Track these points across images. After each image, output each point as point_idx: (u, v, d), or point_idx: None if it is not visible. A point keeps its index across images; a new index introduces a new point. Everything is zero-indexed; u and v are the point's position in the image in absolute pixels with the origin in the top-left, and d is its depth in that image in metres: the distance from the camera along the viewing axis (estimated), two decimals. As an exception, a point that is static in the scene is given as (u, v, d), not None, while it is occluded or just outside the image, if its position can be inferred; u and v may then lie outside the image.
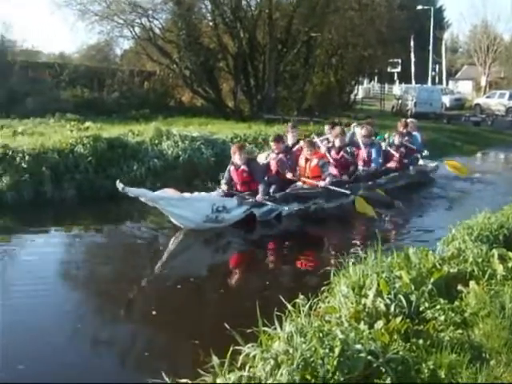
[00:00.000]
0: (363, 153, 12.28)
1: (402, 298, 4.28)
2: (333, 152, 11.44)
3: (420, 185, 13.44)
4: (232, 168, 9.68)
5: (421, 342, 3.82)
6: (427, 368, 3.52)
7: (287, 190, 10.04)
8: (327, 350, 3.42)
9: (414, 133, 14.42)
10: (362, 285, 4.57)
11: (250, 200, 9.34)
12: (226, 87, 28.34)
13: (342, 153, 11.43)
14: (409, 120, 15.26)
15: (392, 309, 4.20)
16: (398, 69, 39.14)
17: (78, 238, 9.00)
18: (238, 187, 9.64)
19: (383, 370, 3.39)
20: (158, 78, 28.76)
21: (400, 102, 34.21)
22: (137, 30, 26.26)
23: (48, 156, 11.86)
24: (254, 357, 3.51)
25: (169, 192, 8.66)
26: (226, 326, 4.08)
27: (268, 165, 10.60)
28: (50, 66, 27.96)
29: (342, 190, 10.13)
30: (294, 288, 5.19)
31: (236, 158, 9.60)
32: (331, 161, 11.01)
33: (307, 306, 4.09)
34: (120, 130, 15.51)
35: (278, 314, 4.02)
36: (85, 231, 9.41)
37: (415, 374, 3.48)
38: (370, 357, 3.42)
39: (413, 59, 42.70)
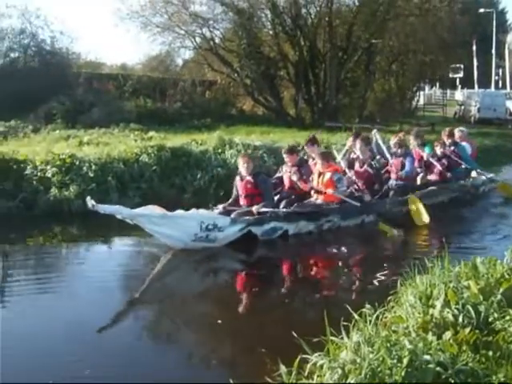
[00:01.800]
0: (395, 165, 11.05)
1: (471, 308, 4.20)
2: (356, 165, 10.45)
3: (468, 200, 12.06)
4: (238, 179, 9.19)
5: (490, 353, 3.73)
6: (497, 380, 3.44)
7: (294, 207, 9.18)
8: (395, 361, 3.40)
9: (464, 143, 13.09)
10: (430, 295, 4.52)
11: (247, 217, 8.62)
12: (287, 95, 28.42)
13: (365, 167, 10.31)
14: (457, 129, 13.81)
15: (460, 319, 4.12)
16: (461, 74, 38.31)
17: (144, 246, 9.10)
18: (242, 201, 9.05)
19: (452, 381, 3.35)
20: (219, 87, 28.98)
21: (463, 107, 33.56)
22: (198, 40, 26.63)
23: (113, 165, 12.10)
24: (322, 366, 3.53)
25: (152, 209, 8.13)
26: (294, 334, 4.10)
27: (281, 179, 10.04)
28: (114, 77, 28.64)
29: (353, 202, 9.38)
30: (359, 298, 5.17)
31: (241, 167, 9.08)
32: (349, 175, 10.28)
33: (374, 316, 4.08)
34: (183, 139, 15.71)
35: (345, 323, 4.03)
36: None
37: (485, 386, 3.40)
38: (438, 368, 3.38)
39: (475, 64, 41.79)
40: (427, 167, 11.97)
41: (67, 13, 54.31)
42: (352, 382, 3.24)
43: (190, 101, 27.09)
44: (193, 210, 8.71)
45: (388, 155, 11.30)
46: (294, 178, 9.44)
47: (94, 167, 11.85)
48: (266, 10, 25.79)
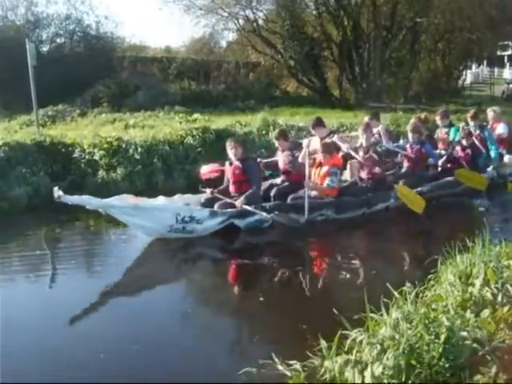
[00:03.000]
0: (409, 153, 10.18)
1: (510, 287, 4.24)
2: (361, 153, 9.66)
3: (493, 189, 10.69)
4: (227, 164, 8.88)
5: (529, 331, 3.80)
6: (534, 357, 3.51)
7: (289, 200, 8.69)
8: (433, 337, 3.48)
9: (498, 124, 12.12)
10: (469, 274, 4.57)
11: (229, 210, 8.24)
12: (331, 76, 28.32)
13: (370, 153, 9.56)
14: (489, 109, 12.72)
15: (499, 298, 4.16)
16: (509, 51, 37.66)
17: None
18: (230, 187, 8.74)
19: (489, 358, 3.41)
20: (262, 68, 29.02)
21: (511, 86, 32.96)
22: (241, 21, 26.77)
23: (159, 148, 12.30)
24: (361, 342, 3.63)
25: (125, 199, 7.90)
26: (335, 311, 4.21)
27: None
28: (158, 60, 28.91)
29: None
30: (399, 278, 5.20)
31: (230, 153, 8.71)
32: (359, 159, 9.53)
33: (413, 294, 4.15)
34: (227, 121, 15.82)
35: (385, 300, 4.11)
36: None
37: (522, 363, 3.46)
38: (475, 344, 3.46)
39: (524, 41, 40.96)
40: (449, 155, 10.85)
41: (112, -3, 54.60)
42: (390, 356, 3.33)
43: (234, 83, 27.18)
44: (176, 197, 8.66)
45: (393, 147, 10.35)
46: (287, 164, 9.16)
47: (139, 149, 12.07)
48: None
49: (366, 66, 25.59)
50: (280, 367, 3.57)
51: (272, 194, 8.88)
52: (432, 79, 29.89)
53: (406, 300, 4.09)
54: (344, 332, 3.76)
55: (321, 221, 8.74)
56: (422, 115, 12.20)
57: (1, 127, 16.89)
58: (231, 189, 8.71)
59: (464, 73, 36.33)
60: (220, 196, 8.51)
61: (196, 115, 17.49)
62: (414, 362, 3.36)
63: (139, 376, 4.20)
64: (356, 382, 3.21)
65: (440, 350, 3.42)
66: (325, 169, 8.90)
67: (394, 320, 3.78)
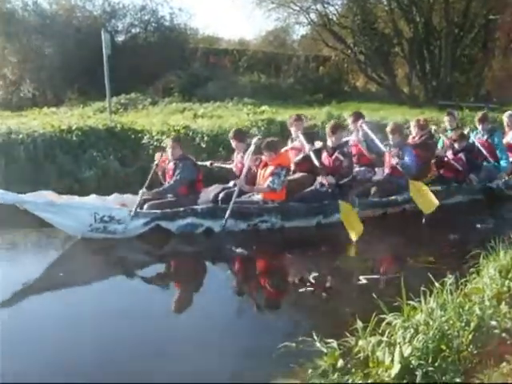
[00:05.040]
0: (387, 157, 9.23)
1: (548, 282, 4.38)
2: (324, 155, 8.73)
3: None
4: (166, 165, 8.48)
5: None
6: None
7: (231, 203, 7.87)
8: (463, 324, 3.68)
9: (500, 132, 10.95)
10: (510, 268, 4.71)
11: (152, 211, 7.77)
12: (401, 72, 28.12)
13: (336, 154, 8.53)
14: (506, 114, 11.41)
15: (536, 293, 4.31)
16: None
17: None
18: None
19: (517, 347, 3.58)
20: (332, 63, 29.05)
21: None
22: (312, 16, 26.89)
23: (224, 137, 12.62)
24: (395, 325, 3.85)
25: (44, 195, 7.55)
26: (374, 296, 4.43)
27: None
28: (230, 52, 29.25)
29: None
30: (441, 270, 5.37)
31: (168, 152, 8.35)
32: (315, 162, 8.42)
33: (449, 285, 4.29)
34: (293, 113, 16.02)
35: (424, 289, 4.29)
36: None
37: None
38: (504, 334, 3.64)
39: None
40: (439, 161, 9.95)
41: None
42: (420, 338, 3.53)
43: (303, 76, 27.25)
44: (113, 196, 8.32)
45: (381, 146, 9.15)
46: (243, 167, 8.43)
47: (206, 138, 12.46)
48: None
49: (436, 63, 25.29)
50: (318, 344, 3.79)
51: (220, 197, 8.30)
52: (506, 78, 29.21)
53: (446, 291, 4.26)
54: (381, 316, 3.97)
55: (266, 229, 8.06)
56: (422, 119, 10.85)
57: (76, 113, 17.65)
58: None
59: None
60: (148, 197, 8.06)
61: (264, 107, 17.78)
62: (443, 347, 3.55)
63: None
64: (385, 360, 3.41)
65: (470, 337, 3.62)
66: (269, 169, 8.14)
67: (429, 307, 3.97)
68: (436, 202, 7.96)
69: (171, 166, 8.24)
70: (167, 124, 13.08)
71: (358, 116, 9.94)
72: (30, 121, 14.18)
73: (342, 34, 26.60)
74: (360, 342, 3.71)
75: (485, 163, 10.33)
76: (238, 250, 7.25)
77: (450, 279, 4.41)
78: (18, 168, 10.76)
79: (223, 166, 9.26)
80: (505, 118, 11.37)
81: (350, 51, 26.63)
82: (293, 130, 9.37)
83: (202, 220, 7.80)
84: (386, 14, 25.85)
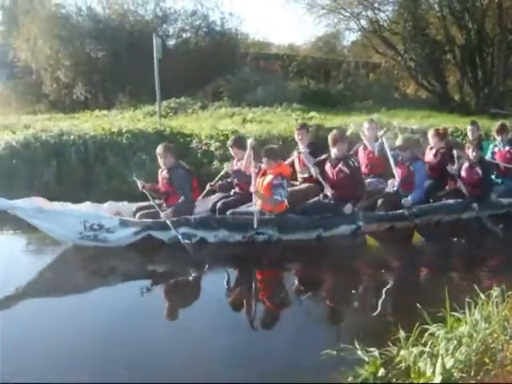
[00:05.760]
0: (398, 173, 8.66)
1: None
2: (327, 165, 8.34)
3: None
4: (159, 173, 8.24)
5: None
6: None
7: (227, 214, 7.85)
8: (508, 337, 3.64)
9: None
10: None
11: (143, 220, 7.62)
12: (453, 80, 27.70)
13: (340, 166, 8.12)
14: None
15: None
16: None
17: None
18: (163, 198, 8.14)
19: None
20: (383, 69, 28.83)
21: None
22: (363, 22, 26.77)
23: (273, 142, 12.64)
24: (439, 336, 3.82)
25: (35, 201, 7.43)
26: (418, 306, 4.40)
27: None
28: (280, 57, 29.31)
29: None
30: (487, 281, 5.32)
31: (160, 161, 8.07)
32: (314, 174, 8.41)
33: (496, 297, 4.24)
34: (342, 120, 15.99)
35: (469, 301, 4.24)
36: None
37: None
38: (551, 347, 3.58)
39: None
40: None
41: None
42: (463, 351, 3.50)
43: (353, 83, 27.07)
44: (107, 204, 8.21)
45: (392, 161, 8.68)
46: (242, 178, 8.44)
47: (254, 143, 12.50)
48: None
49: (489, 70, 24.87)
50: (359, 352, 3.79)
51: (217, 207, 8.19)
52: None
53: (492, 302, 4.20)
54: (425, 326, 3.94)
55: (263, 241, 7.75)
56: (442, 128, 10.46)
57: (126, 116, 17.93)
58: (162, 200, 8.13)
59: None
60: (142, 205, 8.07)
61: (312, 113, 17.74)
62: (487, 360, 3.52)
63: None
64: (427, 371, 3.39)
65: (514, 350, 3.58)
66: (268, 178, 7.81)
67: (474, 319, 3.93)
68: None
69: (164, 174, 8.01)
70: (216, 128, 13.20)
71: (375, 125, 9.60)
72: (82, 123, 14.52)
73: (392, 41, 26.37)
74: (402, 352, 3.71)
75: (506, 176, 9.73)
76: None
77: (495, 291, 4.35)
78: (69, 169, 11.04)
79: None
80: None
81: (400, 58, 26.35)
82: (298, 140, 9.23)
83: (195, 230, 7.56)
84: (438, 21, 25.49)
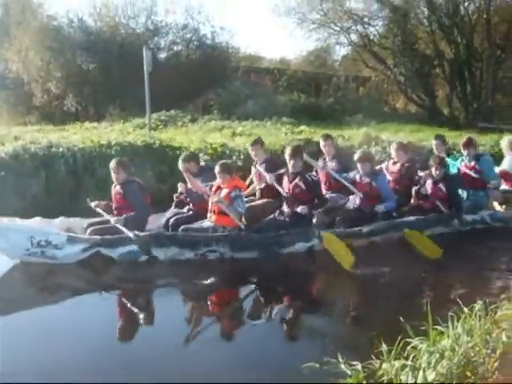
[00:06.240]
0: (359, 188, 8.43)
1: None
2: (284, 180, 8.18)
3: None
4: (112, 188, 8.08)
5: None
6: None
7: (179, 230, 7.63)
8: (489, 351, 3.66)
9: (487, 156, 9.97)
10: (542, 295, 4.68)
11: (92, 237, 7.39)
12: (442, 94, 27.94)
13: (296, 181, 7.99)
14: (507, 138, 10.45)
15: None
16: None
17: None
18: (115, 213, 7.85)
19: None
20: (372, 83, 29.04)
21: None
22: (353, 36, 27.09)
23: (261, 156, 12.74)
24: (421, 350, 3.84)
25: None
26: (401, 319, 4.41)
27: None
28: (270, 71, 29.46)
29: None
30: (471, 295, 5.34)
31: (113, 176, 7.92)
32: (280, 190, 8.10)
33: (479, 311, 4.27)
34: (331, 134, 16.04)
35: (452, 315, 4.27)
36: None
37: None
38: (530, 362, 3.60)
39: None
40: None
41: (228, 8, 56.02)
42: (445, 364, 3.52)
43: (343, 96, 27.22)
44: (58, 220, 7.92)
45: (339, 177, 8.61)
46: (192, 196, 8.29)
47: (242, 157, 12.54)
48: (423, 7, 25.59)
49: (478, 85, 25.10)
50: (342, 366, 3.81)
51: (170, 223, 7.99)
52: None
53: (476, 316, 4.23)
54: (407, 340, 3.96)
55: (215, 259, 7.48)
56: (407, 141, 10.55)
57: (116, 128, 17.91)
58: (117, 215, 7.78)
59: None
60: (94, 220, 7.85)
61: (302, 127, 17.80)
62: (468, 374, 3.53)
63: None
64: (409, 384, 3.42)
65: (496, 364, 3.59)
66: (224, 192, 7.66)
67: (456, 333, 3.96)
68: (351, 257, 7.25)
69: (117, 189, 7.86)
70: (205, 142, 13.23)
71: (331, 142, 9.57)
72: (71, 135, 14.51)
73: (382, 55, 26.64)
74: (384, 366, 3.73)
75: (470, 191, 9.50)
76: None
77: (478, 305, 4.38)
78: (57, 180, 11.02)
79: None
80: (503, 141, 10.47)
81: (390, 72, 26.59)
82: (253, 156, 9.09)
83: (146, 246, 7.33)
84: (427, 35, 25.75)
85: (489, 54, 24.28)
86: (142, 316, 6.07)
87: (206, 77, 24.56)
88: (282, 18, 28.11)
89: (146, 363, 4.67)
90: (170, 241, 7.38)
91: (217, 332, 5.57)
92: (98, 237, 7.33)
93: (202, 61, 26.20)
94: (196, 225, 7.80)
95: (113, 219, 7.46)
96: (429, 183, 8.78)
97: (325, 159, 9.25)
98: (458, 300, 4.53)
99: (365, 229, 8.02)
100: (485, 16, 23.81)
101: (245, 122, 19.19)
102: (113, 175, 7.89)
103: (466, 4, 24.83)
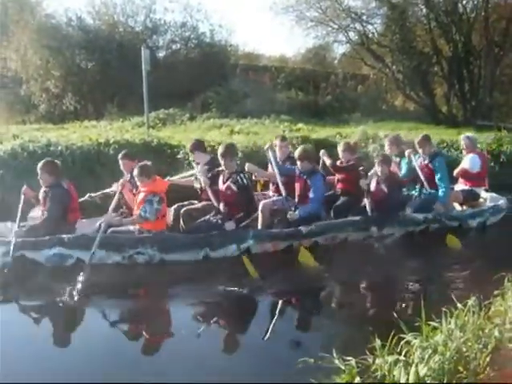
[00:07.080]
0: (298, 187, 8.33)
1: None
2: (220, 181, 8.05)
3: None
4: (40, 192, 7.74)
5: None
6: None
7: (108, 232, 7.33)
8: (481, 346, 3.70)
9: (470, 155, 9.70)
10: (534, 292, 4.71)
11: (13, 239, 6.98)
12: (440, 92, 27.88)
13: (228, 183, 7.85)
14: (464, 136, 10.21)
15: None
16: None
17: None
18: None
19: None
20: (371, 81, 29.03)
21: None
22: (351, 34, 27.03)
23: (258, 154, 12.73)
24: (414, 345, 3.88)
25: None
26: (395, 315, 4.46)
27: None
28: (269, 69, 29.45)
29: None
30: (465, 291, 5.39)
31: (41, 181, 7.61)
32: (209, 192, 7.94)
33: (472, 306, 4.31)
34: (329, 132, 16.10)
35: (446, 310, 4.30)
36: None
37: None
38: (523, 357, 3.64)
39: None
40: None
41: (226, 6, 55.96)
42: (437, 359, 3.56)
43: (341, 94, 27.18)
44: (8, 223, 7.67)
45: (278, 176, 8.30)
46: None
47: (240, 154, 12.56)
48: (421, 5, 25.56)
49: (476, 82, 25.06)
50: (336, 361, 3.85)
51: (102, 227, 7.47)
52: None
53: (469, 312, 4.26)
54: (401, 335, 4.00)
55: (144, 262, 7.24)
56: (353, 141, 10.44)
57: (115, 126, 17.97)
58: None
59: None
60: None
61: (300, 125, 17.84)
62: (460, 368, 3.57)
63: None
64: (401, 380, 3.45)
65: (487, 359, 3.63)
66: (141, 196, 7.47)
67: (449, 328, 4.00)
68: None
69: (42, 192, 7.53)
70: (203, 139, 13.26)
71: (287, 143, 9.45)
72: (70, 134, 14.56)
73: (380, 53, 26.56)
74: (377, 361, 3.77)
75: (423, 191, 9.32)
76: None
77: (471, 300, 4.42)
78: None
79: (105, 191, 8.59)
80: (462, 140, 10.20)
81: (388, 70, 26.52)
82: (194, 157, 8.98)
83: (70, 250, 7.04)
84: (425, 33, 25.68)
85: (487, 51, 24.18)
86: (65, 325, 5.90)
87: (204, 75, 24.56)
88: (280, 16, 27.88)
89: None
90: (91, 242, 6.94)
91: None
92: (20, 239, 7.01)
93: (200, 59, 26.19)
94: (124, 228, 7.55)
95: (28, 225, 7.34)
96: (373, 182, 8.59)
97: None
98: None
99: (304, 229, 7.76)
100: (483, 13, 23.73)
101: (243, 120, 19.25)
102: (40, 178, 7.54)
103: (464, 2, 24.69)
